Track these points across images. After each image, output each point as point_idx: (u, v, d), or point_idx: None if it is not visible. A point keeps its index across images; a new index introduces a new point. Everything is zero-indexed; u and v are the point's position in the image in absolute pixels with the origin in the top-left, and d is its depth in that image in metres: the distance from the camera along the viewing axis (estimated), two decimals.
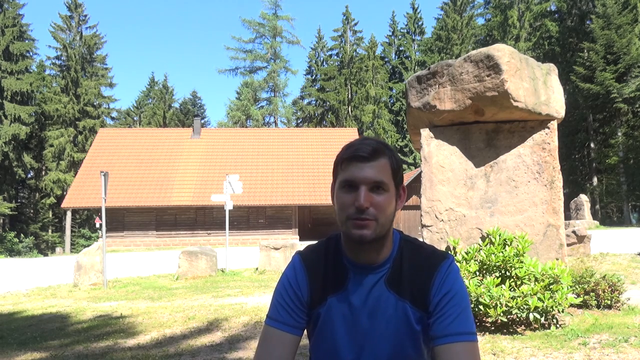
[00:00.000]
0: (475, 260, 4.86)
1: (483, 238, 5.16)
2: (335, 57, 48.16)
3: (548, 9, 37.40)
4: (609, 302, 5.27)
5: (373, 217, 1.12)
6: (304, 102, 49.35)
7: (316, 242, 1.33)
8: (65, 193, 31.94)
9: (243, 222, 26.00)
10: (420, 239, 5.29)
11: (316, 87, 48.24)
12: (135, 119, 50.49)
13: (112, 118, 46.82)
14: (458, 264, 4.72)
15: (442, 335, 1.12)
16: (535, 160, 5.33)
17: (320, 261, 1.26)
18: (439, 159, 5.48)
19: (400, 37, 48.60)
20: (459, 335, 1.11)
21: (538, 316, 4.42)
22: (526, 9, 37.17)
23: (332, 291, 1.23)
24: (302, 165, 27.76)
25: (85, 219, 40.13)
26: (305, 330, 1.30)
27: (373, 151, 1.15)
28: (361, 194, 1.11)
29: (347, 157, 1.16)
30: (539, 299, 4.41)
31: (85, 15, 41.55)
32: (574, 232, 9.64)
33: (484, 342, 4.25)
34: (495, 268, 4.78)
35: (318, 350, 1.27)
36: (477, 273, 4.80)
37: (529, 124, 5.40)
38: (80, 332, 5.65)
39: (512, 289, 4.58)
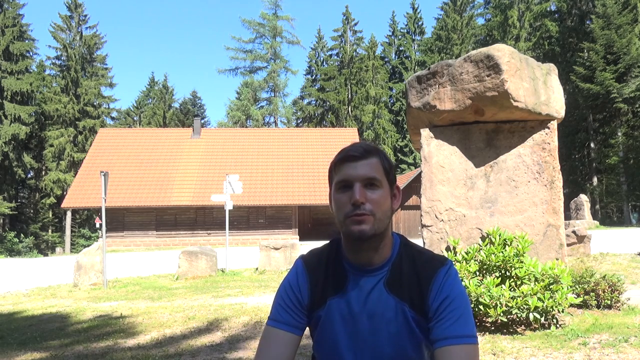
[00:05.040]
0: (475, 260, 4.86)
1: (483, 238, 5.16)
2: (335, 57, 48.17)
3: (548, 9, 37.39)
4: (609, 302, 5.27)
5: (370, 212, 1.14)
6: (304, 102, 49.35)
7: (319, 246, 1.34)
8: (65, 193, 31.96)
9: (243, 222, 26.00)
10: (421, 239, 5.24)
11: (316, 87, 48.23)
12: (135, 119, 50.48)
13: (112, 118, 46.84)
14: (458, 264, 4.73)
15: (441, 338, 1.12)
16: (535, 160, 5.33)
17: (322, 265, 1.28)
18: (439, 159, 5.48)
19: (400, 37, 48.60)
20: (458, 338, 1.11)
21: (538, 316, 4.42)
22: (526, 9, 37.16)
23: (332, 293, 1.24)
24: (302, 165, 27.75)
25: (85, 219, 40.12)
26: (309, 332, 1.32)
27: (364, 151, 1.19)
28: (356, 190, 1.15)
29: (340, 159, 1.20)
30: (539, 299, 4.41)
31: (85, 15, 41.60)
32: (574, 232, 9.64)
33: (484, 342, 4.25)
34: (495, 268, 4.78)
35: (321, 352, 1.28)
36: (477, 273, 4.80)
37: (529, 124, 5.40)
38: (80, 332, 5.65)
39: (512, 289, 4.58)
